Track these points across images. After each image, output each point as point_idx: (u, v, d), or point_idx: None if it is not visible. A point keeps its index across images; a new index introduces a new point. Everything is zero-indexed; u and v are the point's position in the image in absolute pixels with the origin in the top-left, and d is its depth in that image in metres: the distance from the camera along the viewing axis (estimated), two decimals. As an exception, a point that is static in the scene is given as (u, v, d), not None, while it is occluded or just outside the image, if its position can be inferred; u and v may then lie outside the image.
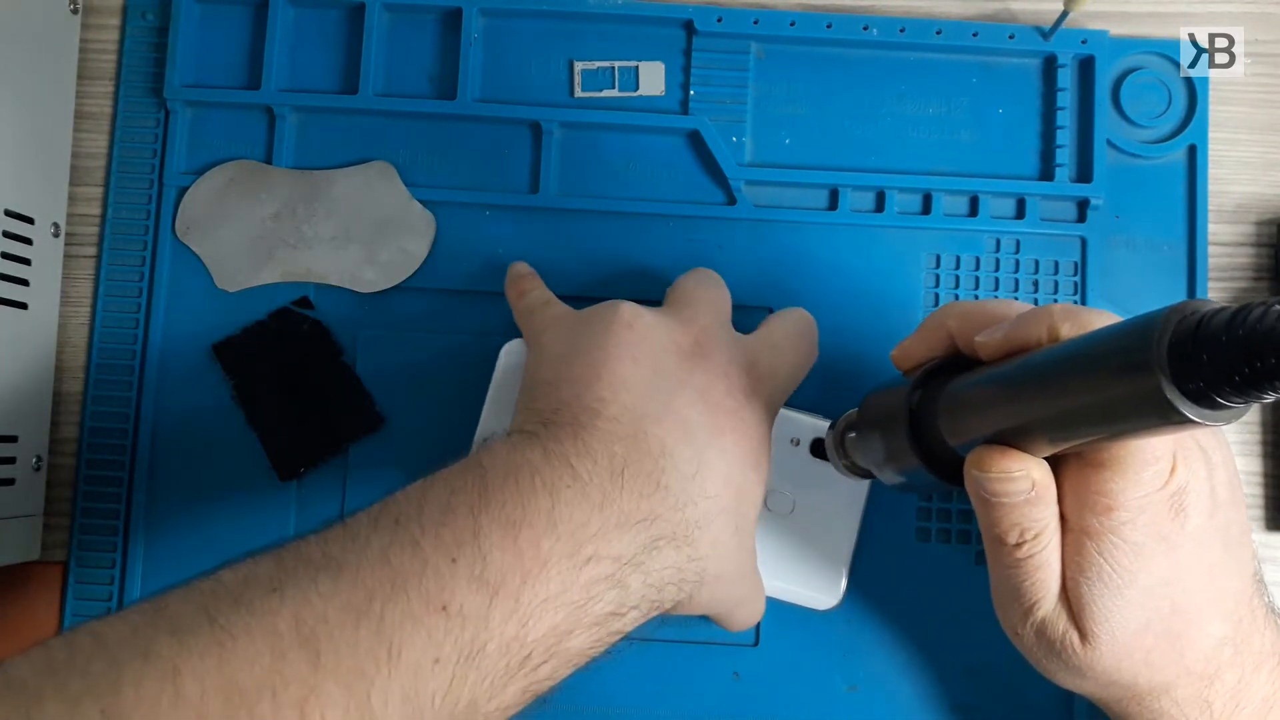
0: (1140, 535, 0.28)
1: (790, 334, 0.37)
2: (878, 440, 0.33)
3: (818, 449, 0.39)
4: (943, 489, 0.31)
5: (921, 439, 0.31)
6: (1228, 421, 0.22)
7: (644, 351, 0.32)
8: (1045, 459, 0.28)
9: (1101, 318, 0.27)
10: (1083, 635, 0.29)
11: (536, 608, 0.26)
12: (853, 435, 0.35)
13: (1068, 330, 0.27)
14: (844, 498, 0.39)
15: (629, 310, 0.33)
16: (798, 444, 0.39)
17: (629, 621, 0.29)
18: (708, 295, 0.36)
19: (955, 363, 0.31)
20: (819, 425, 0.40)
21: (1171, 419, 0.22)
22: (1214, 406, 0.21)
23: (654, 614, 0.30)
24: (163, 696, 0.22)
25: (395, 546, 0.26)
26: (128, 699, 0.21)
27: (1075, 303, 0.43)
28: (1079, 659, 0.30)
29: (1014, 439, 0.27)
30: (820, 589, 0.38)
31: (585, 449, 0.29)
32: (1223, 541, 0.29)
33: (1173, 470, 0.27)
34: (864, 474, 0.36)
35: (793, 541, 0.39)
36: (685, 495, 0.30)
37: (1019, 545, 0.29)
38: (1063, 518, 0.29)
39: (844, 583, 0.39)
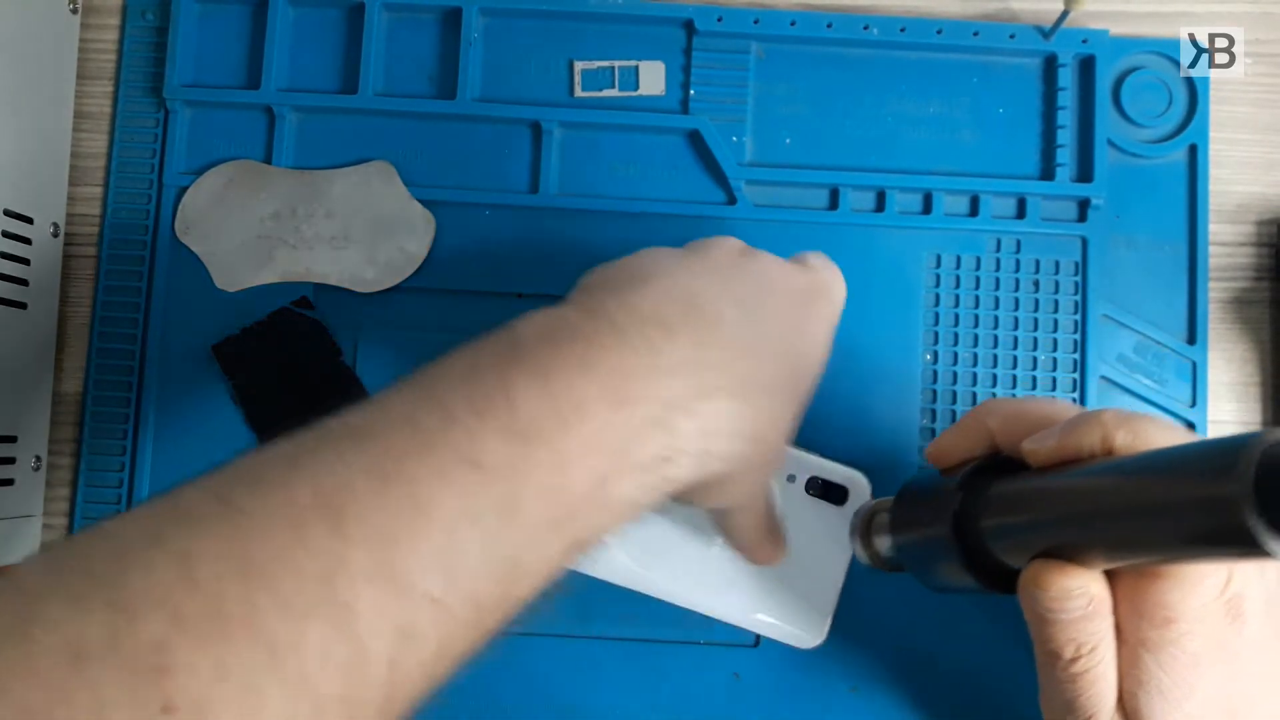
0: (1199, 645, 0.27)
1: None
2: (916, 540, 0.32)
3: (812, 487, 0.39)
4: (984, 594, 0.30)
5: (965, 544, 0.30)
6: None
7: (690, 248, 0.31)
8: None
9: (1156, 426, 0.27)
10: None
11: (574, 452, 0.24)
12: (883, 529, 0.34)
13: (1123, 439, 0.26)
14: (834, 538, 0.38)
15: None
16: (793, 480, 0.39)
17: (683, 469, 0.26)
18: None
19: (997, 462, 0.30)
20: (817, 463, 0.39)
21: (1254, 553, 0.21)
22: None
23: (712, 468, 0.27)
24: (175, 582, 0.20)
25: (421, 408, 0.24)
26: (136, 588, 0.20)
27: (1076, 303, 0.43)
28: None
29: (1069, 554, 0.27)
30: (805, 628, 0.38)
31: (629, 305, 0.27)
32: (1278, 640, 0.28)
33: (1229, 578, 0.27)
34: (892, 568, 0.35)
35: (780, 578, 0.38)
36: (738, 352, 0.28)
37: (1075, 660, 0.28)
38: (1117, 627, 0.28)
39: (828, 624, 0.38)
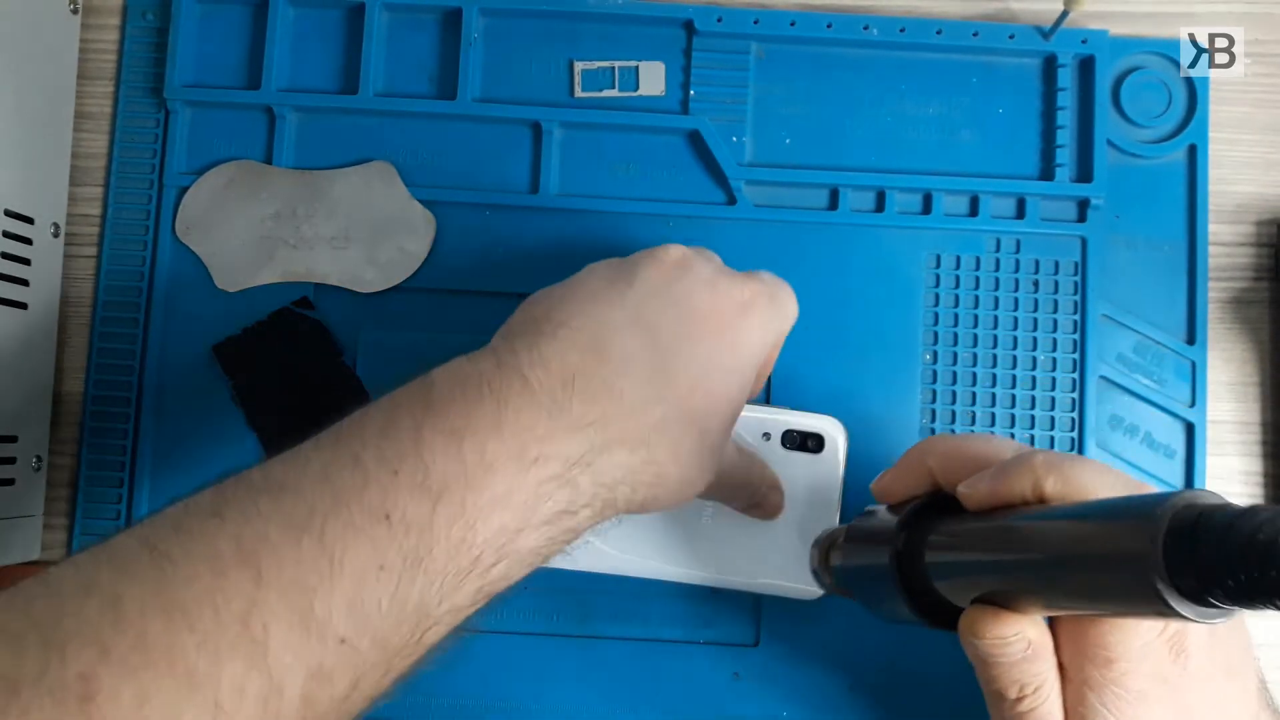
0: (1143, 683, 0.27)
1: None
2: (864, 576, 0.32)
3: (789, 440, 0.39)
4: (931, 630, 0.30)
5: (908, 582, 0.30)
6: (1224, 619, 0.21)
7: (623, 269, 0.32)
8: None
9: (1086, 470, 0.27)
10: None
11: (483, 509, 0.26)
12: (838, 559, 0.35)
13: (1052, 485, 0.27)
14: (820, 486, 0.39)
15: (614, 259, 0.34)
16: (769, 438, 0.39)
17: (582, 520, 0.29)
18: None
19: (940, 500, 0.31)
20: (788, 416, 0.39)
21: (1164, 613, 0.21)
22: (1207, 605, 0.21)
23: (610, 513, 0.30)
24: (103, 621, 0.22)
25: (336, 464, 0.26)
26: (68, 628, 0.22)
27: (1075, 303, 0.43)
28: None
29: (1007, 599, 0.27)
30: (806, 580, 0.38)
31: (540, 358, 0.29)
32: (1225, 670, 0.28)
33: None
34: (848, 595, 0.35)
35: (774, 537, 0.39)
36: (639, 399, 0.29)
37: (1020, 700, 0.29)
38: (1061, 667, 0.28)
39: None
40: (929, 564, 0.29)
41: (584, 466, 0.28)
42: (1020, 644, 0.27)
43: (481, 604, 0.27)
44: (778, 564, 0.39)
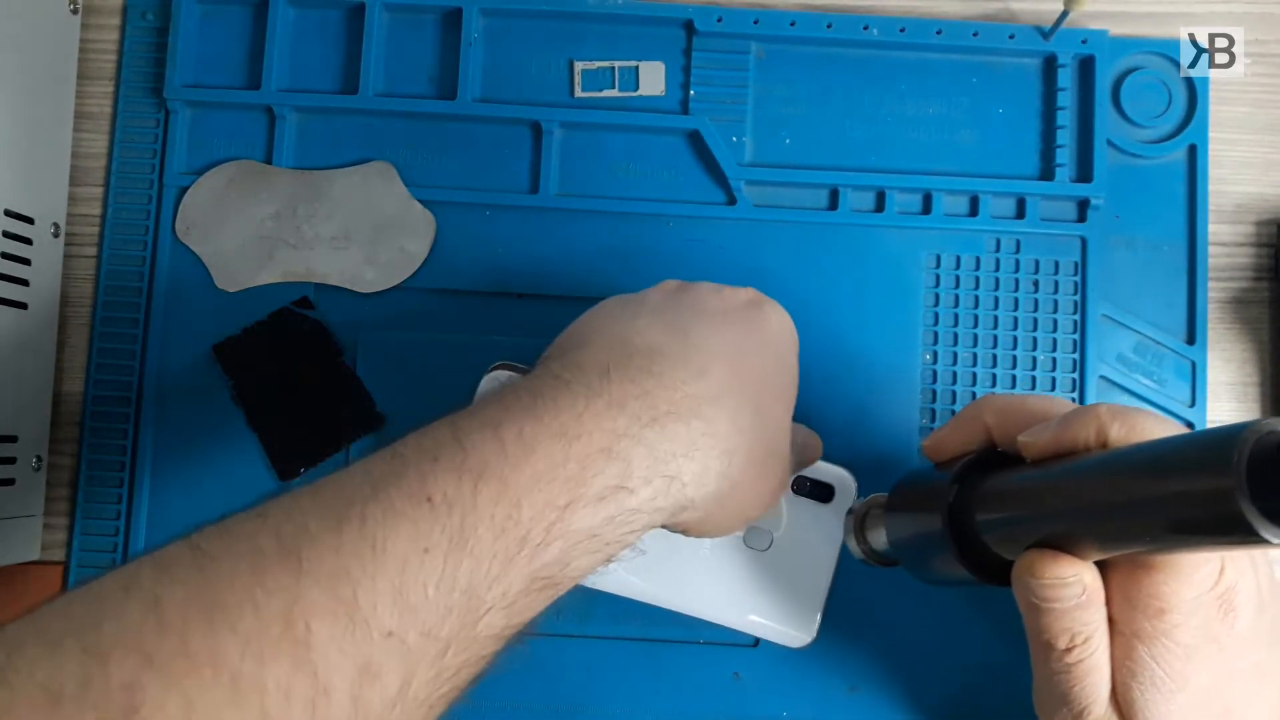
0: (1192, 638, 0.28)
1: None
2: (910, 534, 0.32)
3: (799, 485, 0.39)
4: (977, 586, 0.30)
5: (959, 536, 0.30)
6: None
7: (630, 297, 0.33)
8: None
9: (1151, 420, 0.27)
10: None
11: (525, 486, 0.25)
12: (878, 525, 0.35)
13: (1117, 432, 0.27)
14: (821, 536, 0.38)
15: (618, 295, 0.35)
16: None
17: (643, 500, 0.27)
18: None
19: (992, 456, 0.31)
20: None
21: (1248, 539, 0.21)
22: None
23: (678, 494, 0.28)
24: (145, 625, 0.21)
25: (375, 461, 0.26)
26: (108, 631, 0.21)
27: (1075, 303, 0.43)
28: None
29: (1063, 545, 0.27)
30: (795, 626, 0.38)
31: (573, 363, 0.29)
32: (1270, 637, 0.29)
33: (1221, 570, 0.27)
34: (886, 563, 0.35)
35: (769, 578, 0.39)
36: (678, 377, 0.29)
37: (1069, 650, 0.29)
38: (1110, 621, 0.28)
39: (818, 621, 0.38)
40: (981, 517, 0.29)
41: (633, 440, 0.27)
42: (1077, 587, 0.27)
43: (540, 597, 0.27)
44: (768, 608, 0.39)
